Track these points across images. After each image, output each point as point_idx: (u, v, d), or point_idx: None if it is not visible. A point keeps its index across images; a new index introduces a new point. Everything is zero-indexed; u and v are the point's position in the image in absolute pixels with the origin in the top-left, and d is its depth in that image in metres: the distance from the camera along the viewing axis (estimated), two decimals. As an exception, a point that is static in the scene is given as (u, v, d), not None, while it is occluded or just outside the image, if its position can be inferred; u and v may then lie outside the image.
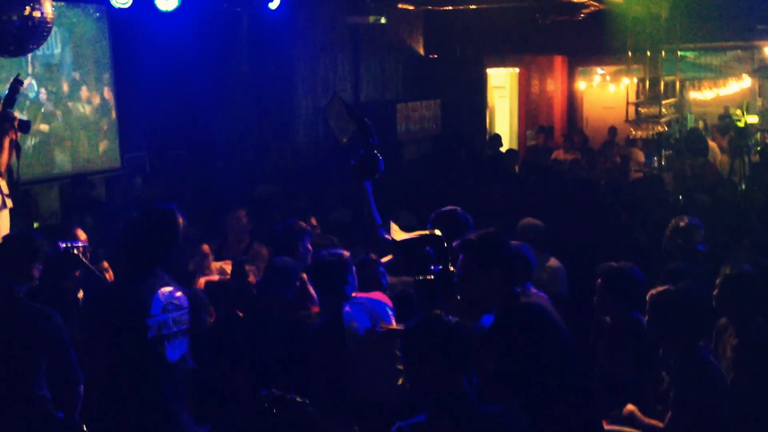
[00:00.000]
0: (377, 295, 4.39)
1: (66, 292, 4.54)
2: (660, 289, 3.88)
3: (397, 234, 4.17)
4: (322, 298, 4.46)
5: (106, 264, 4.78)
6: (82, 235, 5.01)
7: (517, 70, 15.60)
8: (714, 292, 4.15)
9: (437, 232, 3.91)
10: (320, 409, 2.94)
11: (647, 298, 3.88)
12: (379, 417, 3.68)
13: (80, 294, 4.54)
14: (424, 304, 3.51)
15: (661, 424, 3.69)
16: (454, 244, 3.56)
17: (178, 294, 3.66)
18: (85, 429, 3.93)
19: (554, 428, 3.10)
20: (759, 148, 12.75)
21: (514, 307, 3.24)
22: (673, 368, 3.69)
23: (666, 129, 14.05)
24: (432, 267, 3.60)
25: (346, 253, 4.41)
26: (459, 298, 3.39)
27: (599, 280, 4.33)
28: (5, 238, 4.44)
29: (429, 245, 3.80)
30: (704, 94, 17.33)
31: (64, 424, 3.93)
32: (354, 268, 4.39)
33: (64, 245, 4.30)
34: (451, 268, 3.48)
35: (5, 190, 5.43)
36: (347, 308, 4.18)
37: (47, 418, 3.93)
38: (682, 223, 5.91)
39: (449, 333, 2.78)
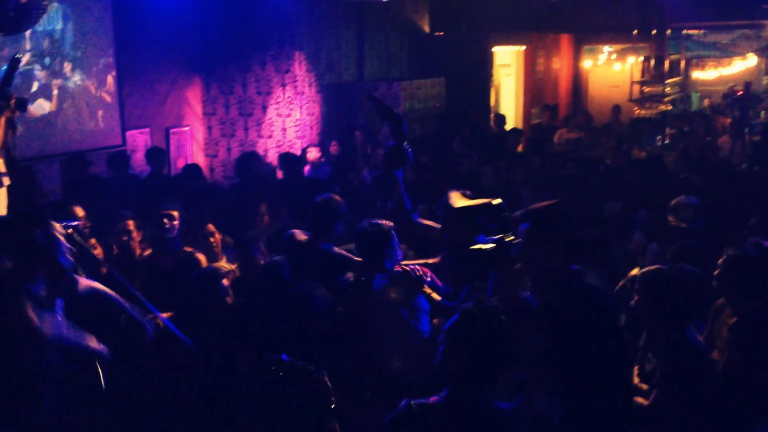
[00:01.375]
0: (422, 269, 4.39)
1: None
2: (652, 267, 3.88)
3: (458, 201, 4.20)
4: (360, 266, 4.49)
5: (93, 241, 4.81)
6: (80, 212, 5.06)
7: (523, 48, 15.51)
8: (715, 272, 4.16)
9: (497, 201, 3.92)
10: (332, 377, 2.97)
11: (638, 275, 3.88)
12: (394, 387, 3.72)
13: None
14: (480, 272, 3.47)
15: (646, 402, 3.70)
16: (515, 214, 3.53)
17: None
18: None
19: (586, 410, 3.11)
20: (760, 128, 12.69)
21: (574, 284, 3.22)
22: (661, 348, 3.68)
23: (670, 108, 14.01)
24: (489, 236, 3.56)
25: (388, 224, 4.38)
26: (518, 266, 3.33)
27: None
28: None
29: (489, 214, 3.82)
30: (708, 73, 17.24)
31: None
32: (396, 240, 4.36)
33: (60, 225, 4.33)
34: (511, 238, 3.42)
35: (2, 168, 5.47)
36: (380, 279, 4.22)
37: None
38: (673, 202, 5.97)
39: (498, 328, 2.82)
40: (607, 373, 3.18)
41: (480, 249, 3.45)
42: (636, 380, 3.83)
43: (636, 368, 3.87)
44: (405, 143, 4.56)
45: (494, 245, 3.41)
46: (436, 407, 2.80)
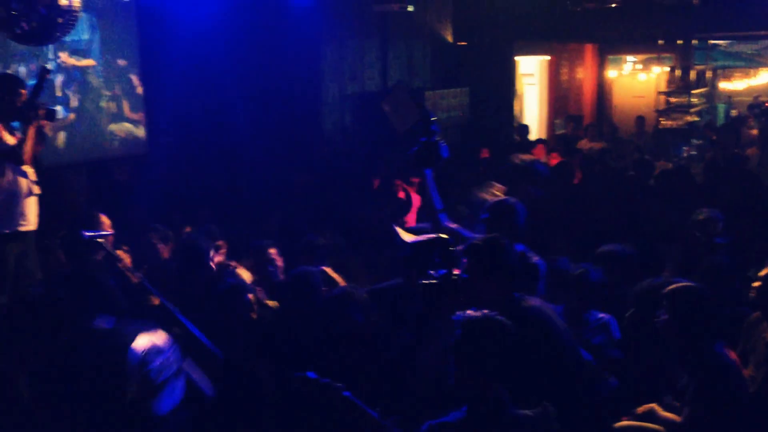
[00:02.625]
0: None
1: (94, 276, 4.60)
2: (679, 284, 3.84)
3: (405, 236, 4.22)
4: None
5: (123, 251, 4.83)
6: (106, 221, 5.08)
7: (547, 57, 15.45)
8: (755, 285, 4.11)
9: (443, 236, 4.00)
10: (356, 393, 2.95)
11: (665, 292, 3.84)
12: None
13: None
14: (428, 306, 3.64)
15: (678, 418, 3.67)
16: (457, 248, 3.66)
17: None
18: None
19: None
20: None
21: (514, 310, 3.27)
22: (691, 364, 3.67)
23: (696, 119, 13.88)
24: (436, 271, 3.70)
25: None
26: (461, 300, 3.45)
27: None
28: None
29: (436, 249, 3.87)
30: (735, 84, 17.08)
31: None
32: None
33: (89, 234, 4.36)
34: (456, 272, 3.60)
35: (33, 177, 5.52)
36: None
37: None
38: (700, 216, 5.90)
39: (504, 338, 2.84)
40: (561, 389, 3.21)
41: (428, 283, 3.63)
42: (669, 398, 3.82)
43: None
44: (438, 140, 4.49)
45: (439, 279, 3.59)
46: (457, 425, 2.77)
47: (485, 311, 2.97)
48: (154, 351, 3.13)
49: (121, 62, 8.31)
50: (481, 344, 2.83)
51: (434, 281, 3.63)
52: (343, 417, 3.03)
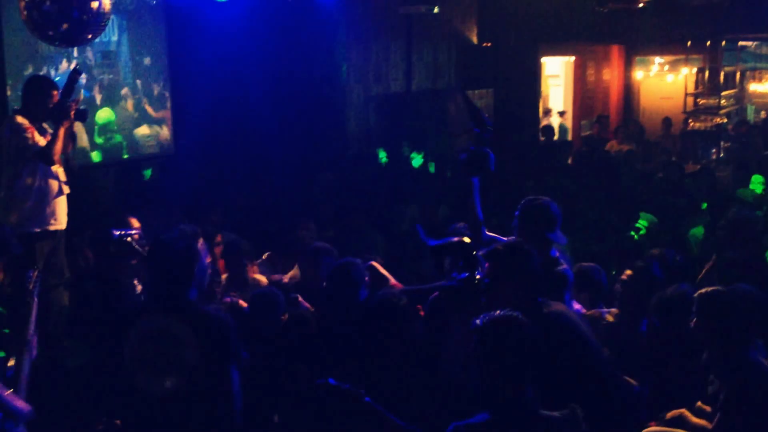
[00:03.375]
0: None
1: (121, 280, 4.63)
2: (709, 289, 3.80)
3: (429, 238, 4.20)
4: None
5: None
6: (135, 223, 5.12)
7: (572, 58, 15.35)
8: None
9: (466, 239, 3.98)
10: (378, 400, 2.94)
11: (697, 296, 3.80)
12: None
13: (138, 287, 4.60)
14: (450, 308, 3.67)
15: (709, 425, 3.63)
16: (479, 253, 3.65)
17: None
18: None
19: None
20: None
21: (536, 315, 3.26)
22: (723, 370, 3.64)
23: (725, 120, 13.72)
24: (459, 274, 3.73)
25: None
26: (483, 304, 3.47)
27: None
28: None
29: (459, 252, 3.85)
30: (765, 85, 16.85)
31: None
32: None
33: (117, 233, 4.38)
34: (477, 277, 3.63)
35: (62, 178, 5.57)
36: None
37: None
38: (730, 216, 5.86)
39: (526, 337, 2.83)
40: (582, 392, 3.19)
41: (449, 286, 3.70)
42: (699, 403, 3.78)
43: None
44: (488, 151, 4.44)
45: (461, 283, 3.64)
46: (484, 426, 2.76)
47: (507, 311, 2.95)
48: None
49: (149, 62, 8.37)
50: (503, 342, 2.82)
51: (456, 284, 3.66)
52: (365, 423, 3.03)
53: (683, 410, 3.85)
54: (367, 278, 4.57)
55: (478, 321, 2.91)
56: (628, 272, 4.60)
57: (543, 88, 15.01)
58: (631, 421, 3.81)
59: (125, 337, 3.15)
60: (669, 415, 3.87)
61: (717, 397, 3.65)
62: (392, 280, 5.01)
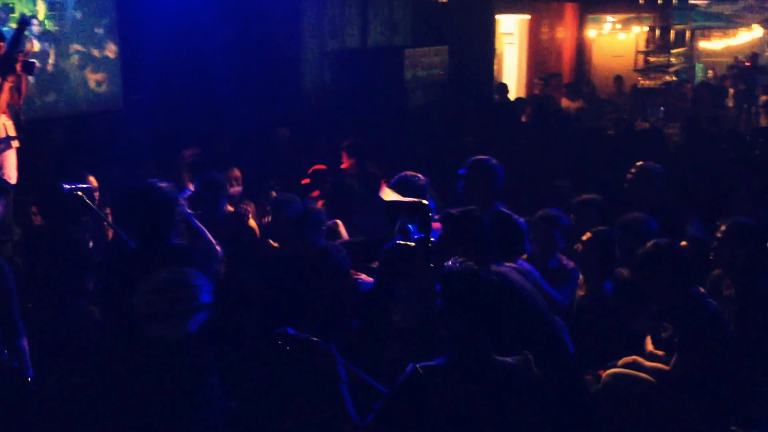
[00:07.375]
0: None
1: (73, 236, 4.54)
2: (648, 245, 3.98)
3: (387, 195, 4.24)
4: None
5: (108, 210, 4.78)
6: (93, 181, 5.03)
7: (527, 16, 15.36)
8: (713, 244, 4.21)
9: (425, 201, 4.07)
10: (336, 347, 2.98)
11: (637, 254, 3.99)
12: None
13: (90, 242, 4.52)
14: (401, 267, 3.79)
15: (666, 367, 3.78)
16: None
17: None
18: (30, 381, 3.74)
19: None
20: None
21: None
22: (677, 314, 3.81)
23: (674, 78, 13.92)
24: (413, 234, 3.87)
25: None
26: (432, 265, 3.68)
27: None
28: None
29: (413, 213, 3.94)
30: (714, 44, 17.12)
31: (15, 373, 3.72)
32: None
33: (68, 187, 4.28)
34: (431, 239, 3.80)
35: (11, 132, 5.43)
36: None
37: None
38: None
39: (489, 288, 2.89)
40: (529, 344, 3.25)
41: (400, 245, 3.80)
42: (650, 347, 3.93)
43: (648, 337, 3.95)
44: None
45: (414, 244, 3.78)
46: (442, 368, 2.82)
47: (467, 263, 3.00)
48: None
49: (97, 16, 8.15)
50: (466, 291, 2.88)
51: (410, 243, 3.81)
52: (324, 371, 3.05)
53: (635, 357, 3.97)
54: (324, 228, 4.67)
55: (445, 271, 2.96)
56: (588, 234, 4.68)
57: (497, 46, 15.01)
58: (579, 367, 3.89)
59: (131, 293, 3.20)
60: (621, 362, 3.98)
61: (670, 342, 3.82)
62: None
